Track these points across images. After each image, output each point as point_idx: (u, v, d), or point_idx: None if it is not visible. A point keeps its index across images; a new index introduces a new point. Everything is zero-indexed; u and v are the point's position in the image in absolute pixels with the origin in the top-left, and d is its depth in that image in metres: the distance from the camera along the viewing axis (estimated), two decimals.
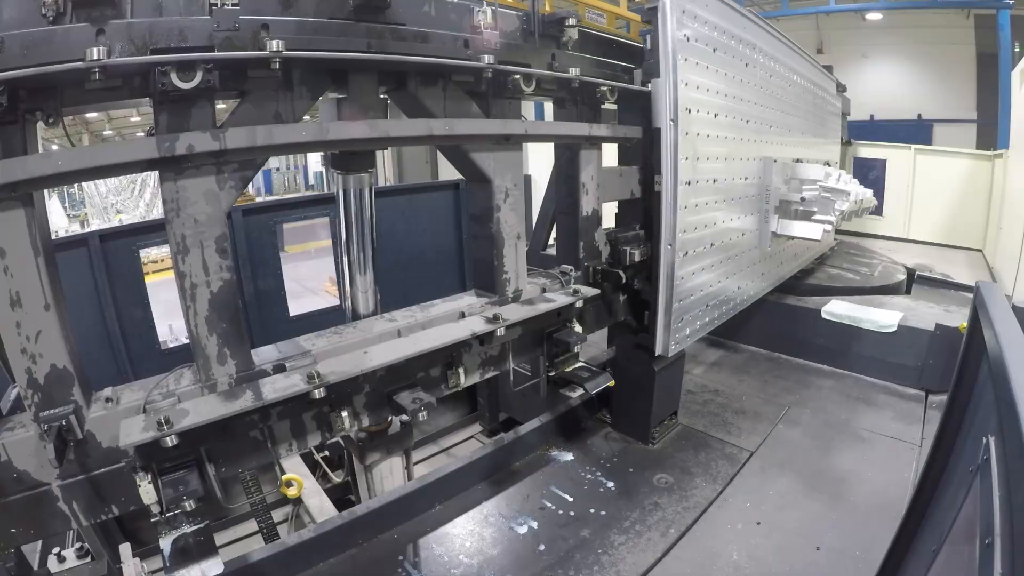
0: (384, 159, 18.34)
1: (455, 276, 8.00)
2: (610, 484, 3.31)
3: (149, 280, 6.06)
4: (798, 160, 5.03)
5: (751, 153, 4.29)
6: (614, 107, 3.68)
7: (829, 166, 5.75)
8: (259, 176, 16.96)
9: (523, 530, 2.94)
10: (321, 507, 5.15)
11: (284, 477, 5.40)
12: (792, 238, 4.71)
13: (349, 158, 2.97)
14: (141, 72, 1.97)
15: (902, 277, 6.04)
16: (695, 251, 3.67)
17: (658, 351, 3.55)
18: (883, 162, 9.73)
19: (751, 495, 3.22)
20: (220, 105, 2.23)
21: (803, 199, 4.49)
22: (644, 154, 3.71)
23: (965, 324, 2.28)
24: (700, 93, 3.45)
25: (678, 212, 3.39)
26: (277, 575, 2.60)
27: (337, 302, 7.12)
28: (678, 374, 3.90)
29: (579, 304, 3.18)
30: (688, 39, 3.27)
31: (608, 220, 3.81)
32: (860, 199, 5.37)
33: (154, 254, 10.78)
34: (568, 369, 3.41)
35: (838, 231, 8.28)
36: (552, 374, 3.42)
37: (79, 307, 5.20)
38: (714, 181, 3.76)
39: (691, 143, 3.41)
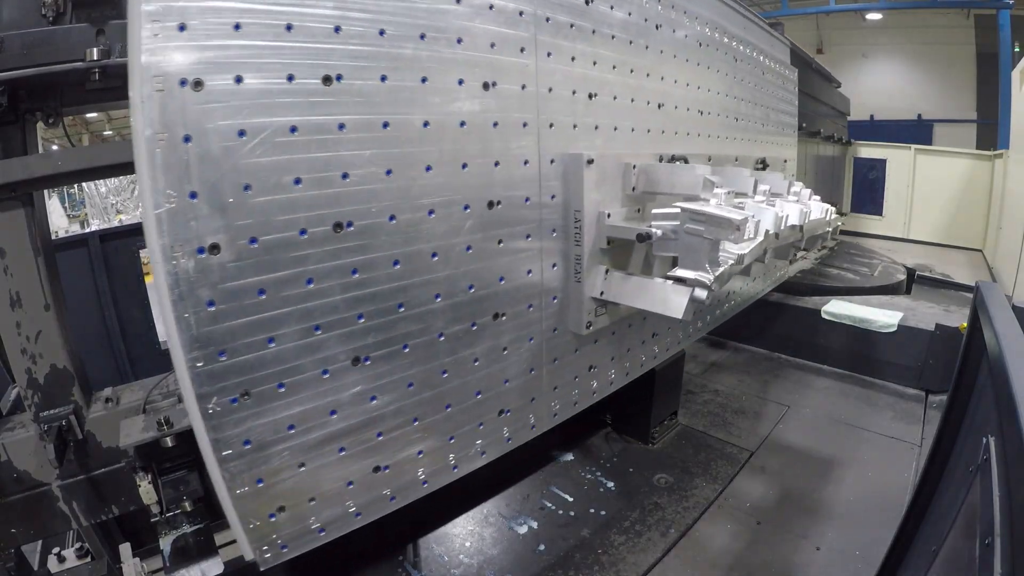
0: None
1: None
2: (610, 484, 3.31)
3: (149, 280, 6.06)
4: (675, 159, 2.64)
5: (521, 149, 2.00)
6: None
7: (763, 167, 3.91)
8: None
9: (523, 530, 2.94)
10: None
11: None
12: (637, 310, 2.30)
13: None
14: None
15: (902, 277, 6.04)
16: (294, 380, 1.56)
17: (248, 555, 1.63)
18: (883, 162, 9.75)
19: (751, 495, 3.22)
20: None
21: (644, 236, 2.08)
22: None
23: (965, 324, 2.28)
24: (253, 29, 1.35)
25: (174, 314, 1.30)
26: (277, 575, 2.60)
27: None
28: (678, 374, 3.90)
29: None
30: None
31: None
32: (796, 223, 2.87)
33: None
34: None
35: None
36: None
37: (79, 307, 5.21)
38: (342, 227, 1.55)
39: (210, 157, 1.31)
